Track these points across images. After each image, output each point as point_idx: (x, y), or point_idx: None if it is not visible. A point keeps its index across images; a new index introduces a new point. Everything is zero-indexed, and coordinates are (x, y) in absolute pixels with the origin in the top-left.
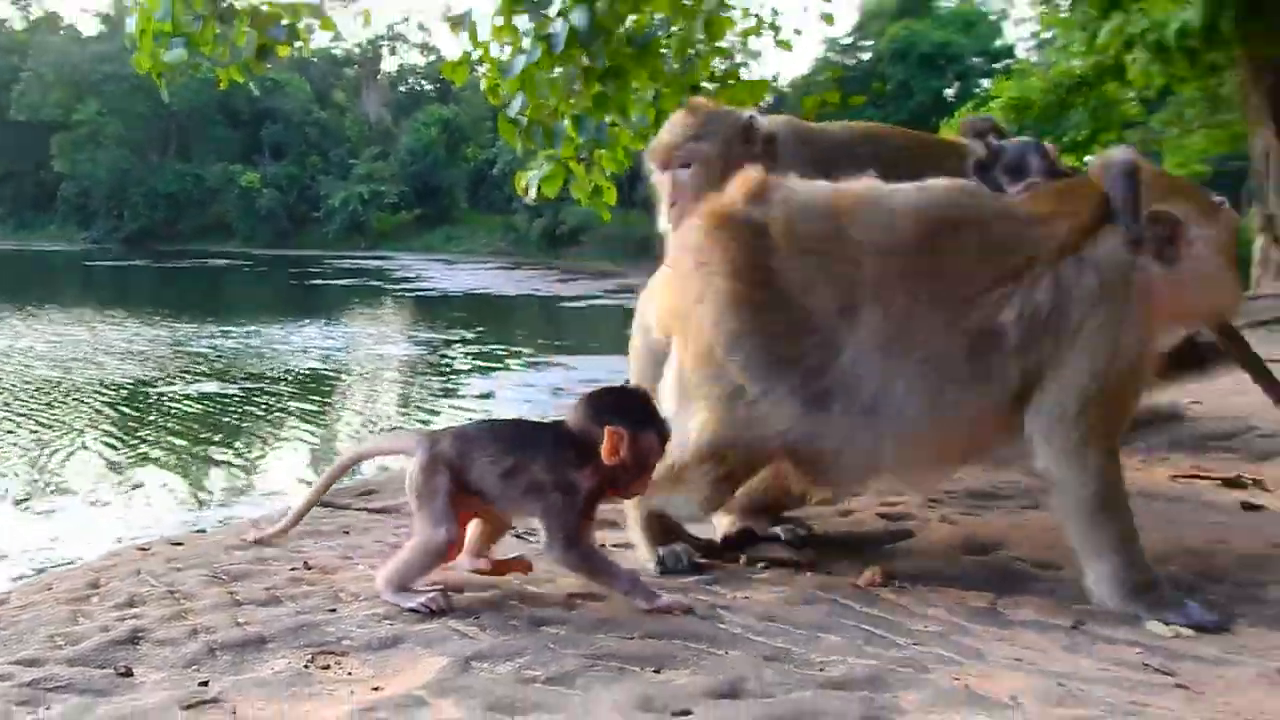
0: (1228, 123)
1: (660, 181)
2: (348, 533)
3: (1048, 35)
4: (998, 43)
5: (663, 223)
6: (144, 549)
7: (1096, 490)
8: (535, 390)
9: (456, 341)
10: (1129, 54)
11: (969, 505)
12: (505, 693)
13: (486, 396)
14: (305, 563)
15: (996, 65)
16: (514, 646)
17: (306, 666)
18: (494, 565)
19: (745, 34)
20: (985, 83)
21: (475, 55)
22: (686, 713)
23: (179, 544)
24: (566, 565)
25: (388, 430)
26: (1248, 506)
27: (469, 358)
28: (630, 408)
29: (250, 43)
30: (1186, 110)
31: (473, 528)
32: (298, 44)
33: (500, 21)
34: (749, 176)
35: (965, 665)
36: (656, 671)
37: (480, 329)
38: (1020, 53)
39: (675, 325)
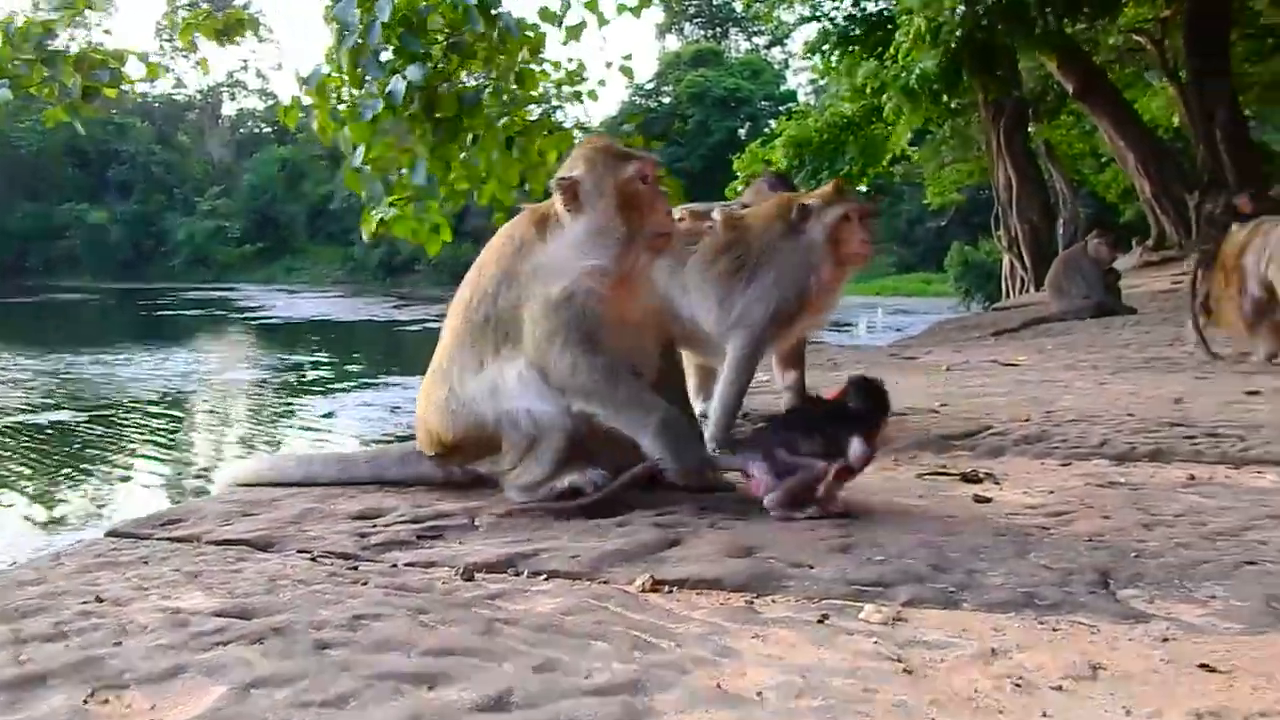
0: (977, 158)
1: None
2: (146, 562)
3: (822, 82)
4: (781, 88)
5: None
6: None
7: None
8: (374, 409)
9: (299, 366)
10: (884, 96)
11: (736, 512)
12: (280, 718)
13: (328, 416)
14: (98, 596)
15: (781, 108)
16: (294, 670)
17: (85, 702)
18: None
19: (558, 83)
20: (773, 123)
21: (307, 102)
22: None
23: None
24: None
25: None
26: (979, 499)
27: (311, 381)
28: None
29: (76, 85)
30: (942, 147)
31: None
32: (126, 86)
33: (335, 75)
34: None
35: (721, 664)
36: (430, 689)
37: (321, 354)
38: (801, 97)
39: None
